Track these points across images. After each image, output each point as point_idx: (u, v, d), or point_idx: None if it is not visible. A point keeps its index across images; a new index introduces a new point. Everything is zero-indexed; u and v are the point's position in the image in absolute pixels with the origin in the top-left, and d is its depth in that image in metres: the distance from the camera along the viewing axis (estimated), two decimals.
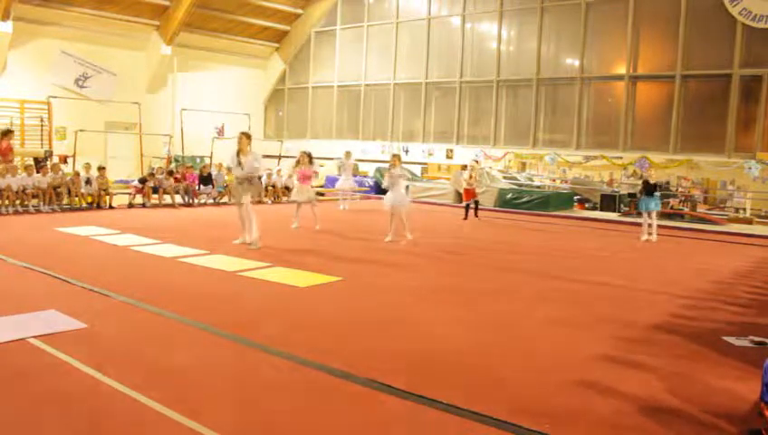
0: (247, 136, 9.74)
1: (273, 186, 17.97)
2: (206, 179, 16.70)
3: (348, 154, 17.38)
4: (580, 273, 8.81)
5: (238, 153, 9.60)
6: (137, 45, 23.01)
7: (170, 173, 16.06)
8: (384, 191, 20.83)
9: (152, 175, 15.70)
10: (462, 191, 15.96)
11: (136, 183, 15.65)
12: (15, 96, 19.90)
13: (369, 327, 5.73)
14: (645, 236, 12.62)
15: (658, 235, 12.80)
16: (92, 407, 3.75)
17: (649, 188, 12.50)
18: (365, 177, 22.79)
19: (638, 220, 13.24)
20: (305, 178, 12.45)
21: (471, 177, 15.12)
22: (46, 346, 4.73)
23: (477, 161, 17.14)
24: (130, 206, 14.96)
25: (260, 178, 10.32)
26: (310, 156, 12.69)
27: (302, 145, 26.61)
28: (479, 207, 15.65)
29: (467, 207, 15.34)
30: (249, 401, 3.92)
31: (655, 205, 12.57)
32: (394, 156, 11.23)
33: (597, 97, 20.91)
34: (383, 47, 25.34)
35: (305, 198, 12.40)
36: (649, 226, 12.70)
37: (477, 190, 15.51)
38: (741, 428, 3.75)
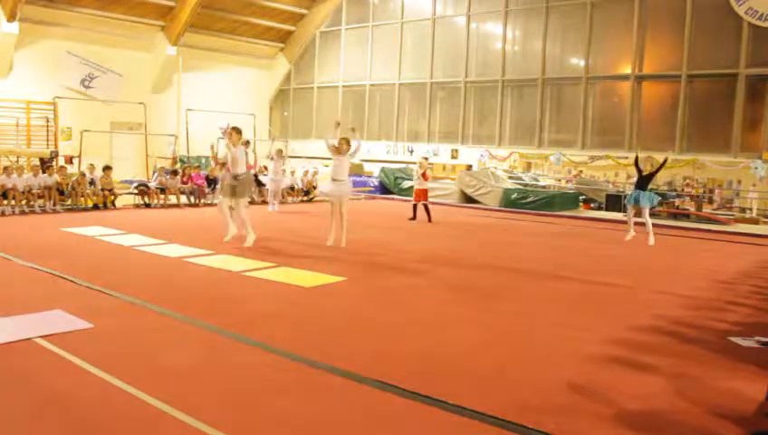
0: (237, 130, 9.60)
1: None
2: (211, 180, 16.71)
3: (279, 151, 15.81)
4: (584, 273, 8.78)
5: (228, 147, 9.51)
6: (142, 46, 23.08)
7: (174, 173, 16.07)
8: (389, 191, 21.04)
9: (147, 187, 15.49)
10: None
11: (142, 186, 15.58)
12: (21, 96, 20.00)
13: (373, 327, 5.73)
14: (631, 235, 11.56)
15: (656, 235, 11.58)
16: (97, 406, 3.76)
17: (641, 181, 11.30)
18: (370, 177, 22.80)
19: (644, 220, 11.56)
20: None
21: (423, 175, 14.09)
22: (52, 346, 4.74)
23: (426, 158, 15.41)
24: (137, 206, 15.00)
25: (254, 176, 9.70)
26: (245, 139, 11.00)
27: (307, 145, 26.71)
28: (429, 209, 14.29)
29: (415, 207, 14.23)
30: (253, 400, 3.92)
31: (647, 200, 11.26)
32: (342, 138, 10.03)
33: (602, 97, 20.88)
34: (388, 47, 25.34)
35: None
36: (641, 224, 11.54)
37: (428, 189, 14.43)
38: (747, 429, 3.73)
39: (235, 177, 9.51)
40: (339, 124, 10.66)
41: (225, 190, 9.73)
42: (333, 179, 10.03)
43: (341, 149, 9.88)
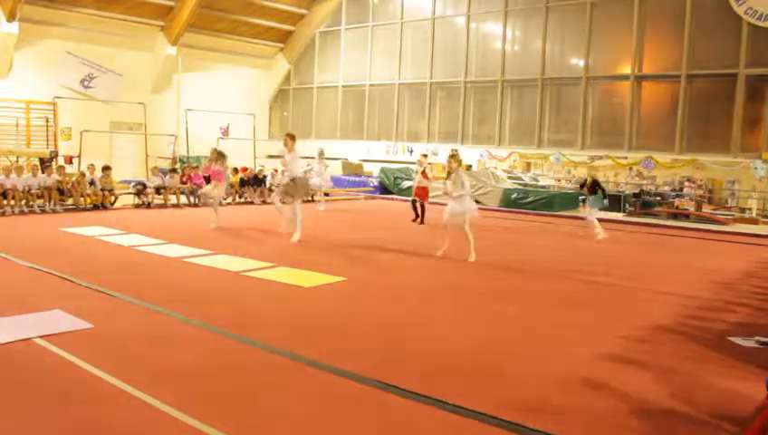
0: (291, 136, 10.60)
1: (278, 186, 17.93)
2: (209, 179, 16.68)
3: (321, 153, 16.48)
4: (584, 273, 8.78)
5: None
6: (142, 46, 23.07)
7: (174, 171, 16.06)
8: (389, 191, 21.02)
9: (144, 187, 15.45)
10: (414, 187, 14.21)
11: (139, 185, 15.56)
12: (21, 96, 19.99)
13: (372, 328, 5.73)
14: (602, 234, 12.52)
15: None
16: (96, 406, 3.76)
17: (595, 187, 12.66)
18: (369, 177, 22.79)
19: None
20: (216, 177, 12.05)
21: (423, 173, 13.67)
22: (51, 346, 4.74)
23: (425, 155, 14.87)
24: (136, 206, 15.00)
25: (305, 178, 10.87)
26: (220, 153, 12.13)
27: (308, 145, 26.70)
28: (425, 211, 13.85)
29: (415, 206, 13.80)
30: (253, 400, 3.92)
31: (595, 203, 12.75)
32: (451, 156, 9.75)
33: (602, 97, 20.86)
34: (388, 47, 25.32)
35: (214, 197, 12.11)
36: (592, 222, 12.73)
37: (429, 187, 13.98)
38: (747, 429, 3.73)
39: (293, 179, 10.38)
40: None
41: (283, 190, 10.64)
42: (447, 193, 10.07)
43: (451, 169, 9.99)
